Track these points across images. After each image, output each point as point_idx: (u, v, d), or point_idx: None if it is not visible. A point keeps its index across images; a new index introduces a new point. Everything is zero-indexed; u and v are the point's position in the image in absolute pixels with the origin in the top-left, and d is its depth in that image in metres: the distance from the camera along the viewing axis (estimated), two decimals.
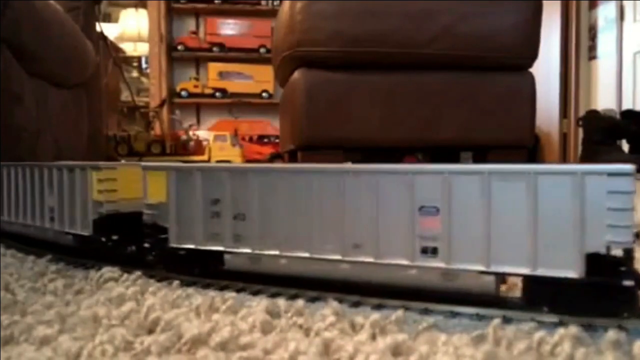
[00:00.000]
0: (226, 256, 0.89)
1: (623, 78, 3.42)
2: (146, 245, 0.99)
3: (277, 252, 0.84)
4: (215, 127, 4.68)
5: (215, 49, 4.72)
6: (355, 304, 0.79)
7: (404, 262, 0.75)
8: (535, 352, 0.55)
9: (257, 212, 0.86)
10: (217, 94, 4.73)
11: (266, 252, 0.85)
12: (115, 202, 1.05)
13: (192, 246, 0.92)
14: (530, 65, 1.83)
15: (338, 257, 0.79)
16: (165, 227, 0.95)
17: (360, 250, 0.78)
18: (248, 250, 0.87)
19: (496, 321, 0.60)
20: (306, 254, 0.82)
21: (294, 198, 0.83)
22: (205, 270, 0.92)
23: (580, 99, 3.77)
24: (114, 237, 1.04)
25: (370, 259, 0.77)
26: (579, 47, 3.78)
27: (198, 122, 4.88)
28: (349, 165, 0.82)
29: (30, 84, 2.00)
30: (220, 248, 0.89)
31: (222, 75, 4.76)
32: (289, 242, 0.83)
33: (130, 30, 4.98)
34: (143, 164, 1.01)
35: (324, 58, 1.69)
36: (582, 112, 3.37)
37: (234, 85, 4.75)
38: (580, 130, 2.98)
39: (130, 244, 1.03)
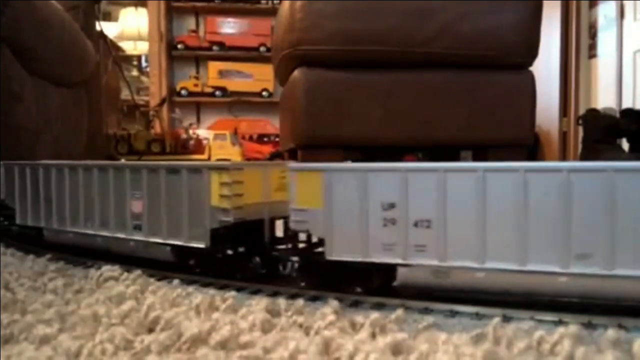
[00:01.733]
0: (401, 269, 0.77)
1: (623, 77, 3.42)
2: (294, 259, 0.88)
3: (470, 264, 0.73)
4: (215, 125, 4.67)
5: (215, 47, 4.71)
6: (355, 303, 0.79)
7: None
8: (535, 351, 0.55)
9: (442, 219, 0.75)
10: (217, 92, 4.73)
11: (456, 264, 0.74)
12: (241, 208, 0.90)
13: (358, 259, 0.79)
14: (530, 64, 1.83)
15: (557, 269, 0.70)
16: (320, 237, 0.83)
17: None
18: (434, 262, 0.75)
19: (496, 320, 0.60)
20: (512, 266, 0.71)
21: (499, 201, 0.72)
22: (369, 286, 0.82)
23: (580, 98, 3.77)
24: (240, 249, 0.93)
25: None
26: (579, 46, 3.77)
27: (198, 120, 4.87)
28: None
29: (30, 82, 2.00)
30: (397, 260, 0.77)
31: (222, 74, 4.76)
32: (483, 252, 0.72)
33: (130, 29, 4.98)
34: (291, 164, 0.89)
35: (324, 57, 1.69)
36: (582, 111, 3.37)
37: (234, 84, 4.75)
38: (580, 129, 2.97)
39: (256, 256, 0.93)
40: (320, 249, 0.83)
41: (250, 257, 0.93)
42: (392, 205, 0.77)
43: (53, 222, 1.20)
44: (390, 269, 0.78)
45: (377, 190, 0.78)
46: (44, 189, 1.22)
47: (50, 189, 1.20)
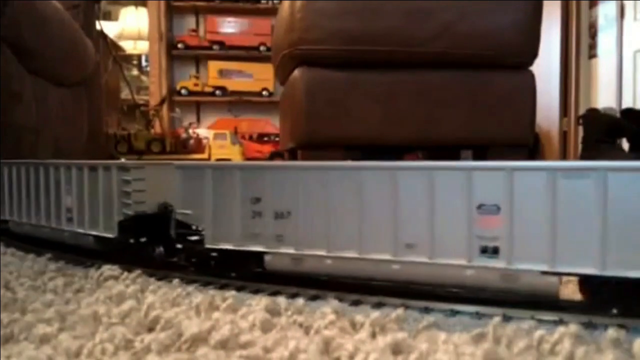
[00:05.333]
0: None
1: (623, 76, 3.42)
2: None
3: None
4: (215, 125, 4.67)
5: (215, 47, 4.71)
6: (355, 303, 0.79)
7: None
8: (535, 351, 0.55)
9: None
10: (217, 92, 4.73)
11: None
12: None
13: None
14: (531, 63, 1.83)
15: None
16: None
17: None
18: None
19: (496, 319, 0.60)
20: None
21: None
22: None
23: (580, 98, 3.77)
24: (142, 239, 1.07)
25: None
26: (579, 46, 3.77)
27: (198, 120, 4.87)
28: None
29: (30, 82, 2.00)
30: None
31: (222, 73, 4.76)
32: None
33: (130, 28, 4.98)
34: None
35: (324, 56, 1.69)
36: (582, 111, 3.37)
37: (234, 84, 4.75)
38: (581, 129, 2.97)
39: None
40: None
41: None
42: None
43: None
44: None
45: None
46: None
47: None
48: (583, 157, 2.85)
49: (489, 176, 0.73)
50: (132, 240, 1.04)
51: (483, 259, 0.73)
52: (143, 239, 1.03)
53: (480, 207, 0.73)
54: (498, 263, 0.72)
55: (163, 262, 1.02)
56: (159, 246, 1.03)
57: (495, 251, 0.72)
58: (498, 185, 0.72)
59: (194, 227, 0.96)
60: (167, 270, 0.99)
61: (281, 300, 0.74)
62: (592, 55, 3.74)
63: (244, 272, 0.92)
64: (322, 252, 0.83)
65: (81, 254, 1.12)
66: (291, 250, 0.86)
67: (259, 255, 0.89)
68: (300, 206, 0.85)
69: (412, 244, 0.78)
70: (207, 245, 0.94)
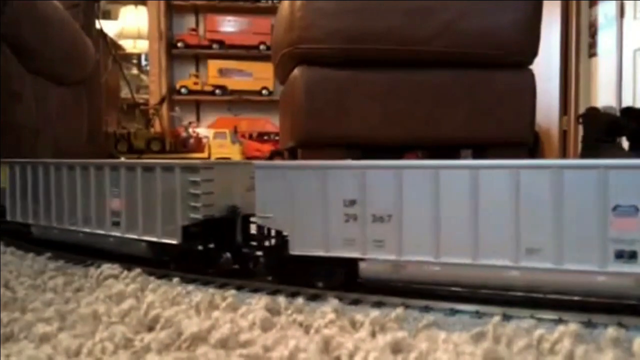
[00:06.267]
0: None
1: (623, 75, 3.41)
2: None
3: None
4: (215, 124, 4.67)
5: (215, 46, 4.71)
6: (355, 302, 0.79)
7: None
8: (535, 350, 0.55)
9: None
10: (217, 91, 4.73)
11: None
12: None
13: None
14: (531, 62, 1.83)
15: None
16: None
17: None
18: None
19: (496, 319, 0.60)
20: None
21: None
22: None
23: (580, 96, 3.77)
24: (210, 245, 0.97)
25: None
26: (579, 45, 3.77)
27: (198, 119, 4.87)
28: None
29: (30, 81, 1.99)
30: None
31: (221, 72, 4.76)
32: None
33: (130, 27, 4.97)
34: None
35: (323, 55, 1.69)
36: (582, 110, 3.37)
37: (234, 83, 4.74)
38: (580, 128, 2.97)
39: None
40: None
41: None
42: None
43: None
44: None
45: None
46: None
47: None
48: (583, 156, 2.85)
49: (626, 175, 0.68)
50: (200, 247, 0.94)
51: (618, 264, 0.68)
52: (211, 245, 0.94)
53: (616, 208, 0.68)
54: (636, 268, 0.67)
55: (232, 270, 0.94)
56: (225, 252, 0.95)
57: (632, 256, 0.68)
58: (637, 185, 0.67)
59: (272, 232, 0.89)
60: (241, 279, 0.90)
61: (281, 300, 0.74)
62: (592, 54, 3.74)
63: (332, 280, 0.84)
64: (429, 258, 0.77)
65: (131, 261, 1.01)
66: (391, 257, 0.79)
67: (349, 262, 0.82)
68: (404, 209, 0.78)
69: (535, 249, 0.71)
70: (293, 252, 0.85)
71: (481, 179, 0.74)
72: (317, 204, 0.83)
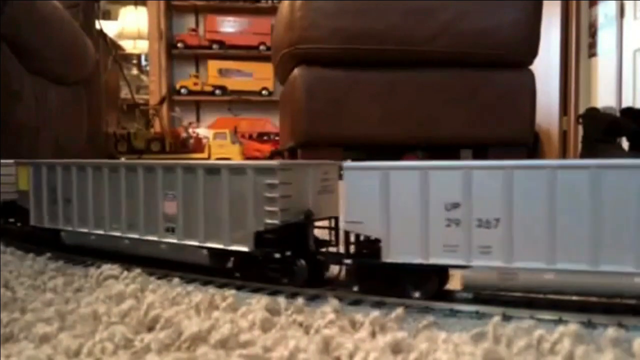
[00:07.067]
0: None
1: (623, 75, 3.42)
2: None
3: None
4: (214, 124, 4.67)
5: (214, 46, 4.71)
6: (355, 302, 0.79)
7: None
8: (535, 350, 0.55)
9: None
10: (217, 91, 4.73)
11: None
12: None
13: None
14: (530, 62, 1.83)
15: None
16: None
17: None
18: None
19: (496, 319, 0.60)
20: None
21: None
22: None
23: (580, 97, 3.77)
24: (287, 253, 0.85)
25: None
26: (579, 45, 3.77)
27: (198, 119, 4.87)
28: None
29: (30, 81, 2.00)
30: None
31: (221, 72, 4.76)
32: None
33: (130, 27, 4.98)
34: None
35: (323, 55, 1.69)
36: (582, 110, 3.37)
37: (234, 83, 4.75)
38: (580, 128, 2.97)
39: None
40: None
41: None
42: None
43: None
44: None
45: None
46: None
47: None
48: (583, 156, 2.86)
49: None
50: (278, 255, 0.87)
51: None
52: (288, 253, 0.87)
53: None
54: None
55: (310, 279, 0.87)
56: (299, 260, 0.87)
57: None
58: None
59: (361, 238, 0.82)
60: (319, 288, 0.84)
61: (281, 300, 0.74)
62: (592, 54, 3.74)
63: (427, 290, 0.79)
64: (542, 265, 0.71)
65: (187, 269, 0.95)
66: (499, 264, 0.73)
67: (441, 270, 0.77)
68: (514, 212, 0.72)
69: None
70: (386, 260, 0.79)
71: (602, 179, 0.68)
72: (415, 208, 0.77)
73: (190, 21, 4.90)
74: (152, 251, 1.00)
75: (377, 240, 0.79)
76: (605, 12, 3.61)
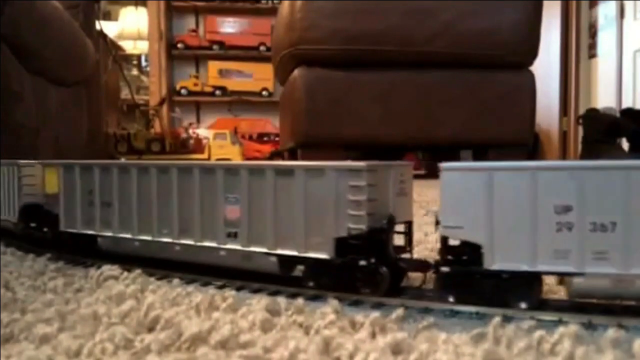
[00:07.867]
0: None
1: (623, 76, 3.42)
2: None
3: None
4: (215, 125, 4.68)
5: (215, 47, 4.71)
6: (355, 303, 0.78)
7: None
8: (535, 351, 0.55)
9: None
10: (217, 92, 4.73)
11: None
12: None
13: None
14: (531, 63, 1.83)
15: None
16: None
17: None
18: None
19: (496, 320, 0.60)
20: None
21: None
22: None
23: (580, 97, 3.77)
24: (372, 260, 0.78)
25: None
26: (579, 45, 3.77)
27: (198, 120, 4.87)
28: None
29: (30, 81, 2.00)
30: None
31: (221, 73, 4.76)
32: None
33: (130, 28, 4.98)
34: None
35: (323, 56, 1.69)
36: (582, 110, 3.37)
37: (234, 84, 4.75)
38: (580, 129, 2.97)
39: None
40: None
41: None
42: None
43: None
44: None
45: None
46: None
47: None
48: (583, 157, 2.86)
49: None
50: (363, 262, 0.81)
51: None
52: (373, 260, 0.81)
53: None
54: None
55: (396, 289, 0.82)
56: (381, 267, 0.81)
57: None
58: None
59: (457, 244, 0.77)
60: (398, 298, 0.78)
61: (281, 300, 0.74)
62: (592, 55, 3.74)
63: (532, 299, 0.74)
64: None
65: (252, 279, 0.89)
66: (613, 270, 0.68)
67: (537, 276, 0.72)
68: (633, 215, 0.67)
69: None
70: (490, 267, 0.73)
71: None
72: (522, 211, 0.73)
73: (190, 22, 4.90)
74: (211, 258, 0.94)
75: (477, 247, 0.74)
76: (605, 13, 3.61)
